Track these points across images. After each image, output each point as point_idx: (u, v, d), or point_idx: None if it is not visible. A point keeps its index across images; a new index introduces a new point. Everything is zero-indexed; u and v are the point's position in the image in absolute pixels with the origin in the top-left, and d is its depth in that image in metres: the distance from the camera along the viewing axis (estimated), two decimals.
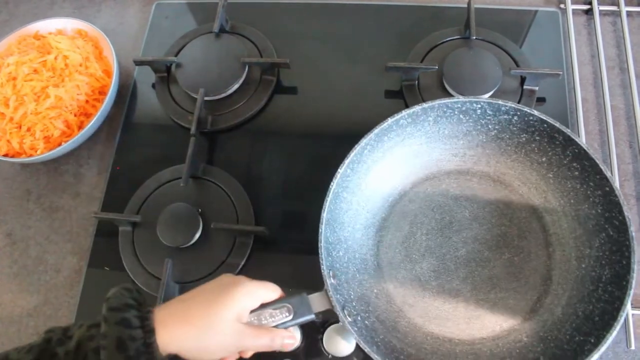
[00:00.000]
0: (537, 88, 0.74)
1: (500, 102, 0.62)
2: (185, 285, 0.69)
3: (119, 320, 0.46)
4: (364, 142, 0.62)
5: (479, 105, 0.63)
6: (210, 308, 0.50)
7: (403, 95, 0.76)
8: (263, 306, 0.55)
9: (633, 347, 0.63)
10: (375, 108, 0.76)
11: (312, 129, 0.77)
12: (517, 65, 0.75)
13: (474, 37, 0.77)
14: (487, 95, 0.73)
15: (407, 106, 0.73)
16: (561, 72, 0.72)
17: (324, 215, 0.59)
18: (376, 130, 0.62)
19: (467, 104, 0.63)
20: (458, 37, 0.78)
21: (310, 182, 0.73)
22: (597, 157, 0.59)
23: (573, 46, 0.77)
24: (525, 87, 0.74)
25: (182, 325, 0.49)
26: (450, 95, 0.74)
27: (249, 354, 0.55)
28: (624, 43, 0.77)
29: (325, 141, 0.76)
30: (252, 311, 0.55)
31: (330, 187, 0.60)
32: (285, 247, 0.71)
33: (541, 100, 0.75)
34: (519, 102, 0.73)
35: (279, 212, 0.73)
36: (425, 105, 0.62)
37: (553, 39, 0.78)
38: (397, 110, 0.63)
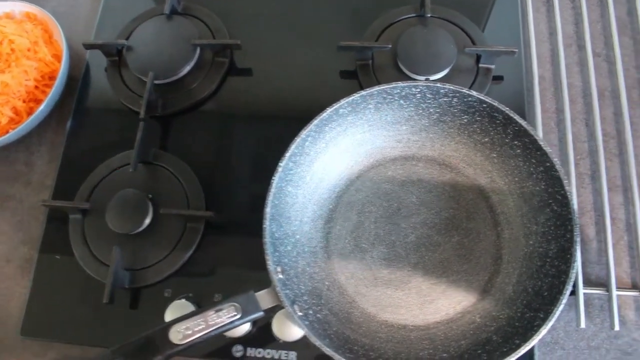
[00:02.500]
0: (493, 66, 0.73)
1: (438, 84, 0.61)
2: (137, 272, 0.68)
3: None
4: (304, 133, 0.61)
5: (418, 90, 0.62)
6: None
7: (358, 76, 0.74)
8: (209, 307, 0.54)
9: (583, 326, 0.63)
10: (331, 89, 0.75)
11: (267, 111, 0.76)
12: (474, 44, 0.74)
13: (429, 15, 0.75)
14: (441, 74, 0.72)
15: (361, 87, 0.72)
16: (516, 50, 0.71)
17: (268, 210, 0.58)
18: (315, 121, 0.61)
19: (406, 88, 0.62)
20: (414, 14, 0.76)
21: (265, 166, 0.70)
22: (536, 133, 0.59)
23: (531, 23, 0.76)
24: (481, 65, 0.73)
25: None
26: (404, 75, 0.73)
27: None
28: (582, 20, 0.76)
29: (280, 124, 0.74)
30: (198, 312, 0.54)
31: (272, 181, 0.59)
32: (238, 233, 0.70)
33: (499, 78, 0.74)
34: (474, 81, 0.72)
35: (231, 197, 0.72)
36: (363, 92, 0.61)
37: (511, 17, 0.77)
38: (352, 91, 0.62)
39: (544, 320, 0.54)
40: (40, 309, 0.69)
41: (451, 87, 0.61)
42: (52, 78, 0.76)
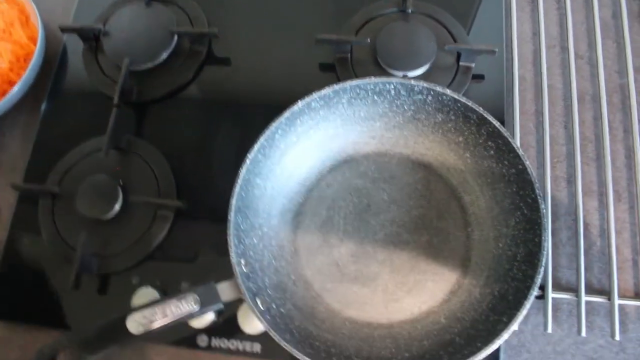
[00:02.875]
0: (473, 65, 0.72)
1: (412, 82, 0.60)
2: (105, 258, 0.67)
3: None
4: (274, 126, 0.60)
5: (392, 86, 0.61)
6: None
7: (336, 69, 0.73)
8: (168, 298, 0.54)
9: (550, 331, 0.62)
10: (309, 82, 0.73)
11: (244, 101, 0.75)
12: (455, 41, 0.73)
13: (411, 11, 0.74)
14: (420, 71, 0.71)
15: (339, 80, 0.71)
16: (497, 49, 0.70)
17: (233, 202, 0.57)
18: (286, 114, 0.60)
19: (380, 84, 0.61)
20: (396, 10, 0.75)
21: (239, 157, 0.70)
22: (509, 135, 0.58)
23: (514, 23, 0.75)
24: (461, 63, 0.72)
25: None
26: (383, 71, 0.72)
27: None
28: (566, 21, 0.75)
29: (257, 114, 0.73)
30: (157, 302, 0.53)
31: (239, 173, 0.58)
32: (209, 223, 0.69)
33: (479, 77, 0.73)
34: (454, 79, 0.72)
35: (204, 186, 0.71)
36: (336, 87, 0.60)
37: (495, 15, 0.76)
38: (330, 84, 0.61)
39: (506, 324, 0.54)
40: (7, 291, 0.68)
41: (425, 85, 0.60)
42: (27, 60, 0.75)
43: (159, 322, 0.53)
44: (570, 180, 0.69)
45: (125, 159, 0.72)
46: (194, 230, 0.69)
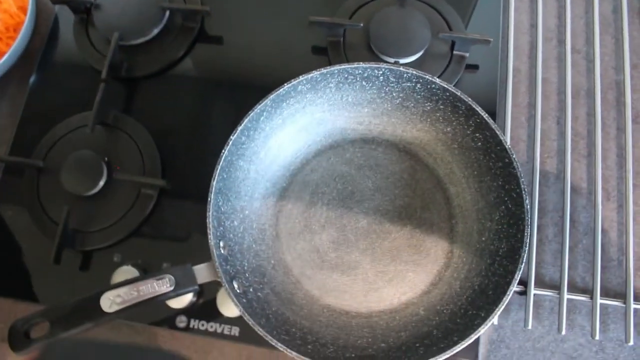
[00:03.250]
0: (467, 54, 0.70)
1: (401, 68, 0.59)
2: (87, 234, 0.67)
3: None
4: (258, 108, 0.59)
5: (381, 72, 0.60)
6: None
7: (328, 53, 0.72)
8: (143, 277, 0.54)
9: (530, 327, 0.62)
10: (301, 64, 0.72)
11: (234, 81, 0.74)
12: (450, 29, 0.71)
13: None
14: (413, 58, 0.70)
15: (330, 64, 0.70)
16: (491, 39, 0.68)
17: (214, 184, 0.56)
18: (272, 96, 0.59)
19: (369, 70, 0.60)
20: None
21: (226, 137, 0.70)
22: (497, 127, 0.57)
23: (512, 13, 0.74)
24: (455, 52, 0.70)
25: None
26: (375, 56, 0.71)
27: None
28: (565, 14, 0.73)
29: (247, 94, 0.71)
30: (132, 281, 0.53)
31: (222, 154, 0.57)
32: (193, 203, 0.68)
33: (473, 67, 0.72)
34: (447, 68, 0.70)
35: (190, 167, 0.70)
36: (324, 70, 0.59)
37: (493, 4, 0.74)
38: (322, 67, 0.60)
39: (484, 319, 0.53)
40: None
41: (414, 72, 0.59)
42: (16, 30, 0.74)
43: (132, 301, 0.52)
44: (560, 177, 0.68)
45: (111, 135, 0.71)
46: (177, 211, 0.68)
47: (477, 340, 0.60)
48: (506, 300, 0.53)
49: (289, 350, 0.52)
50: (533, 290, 0.63)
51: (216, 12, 0.74)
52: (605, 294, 0.64)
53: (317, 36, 0.74)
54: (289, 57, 0.74)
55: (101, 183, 0.68)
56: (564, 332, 0.62)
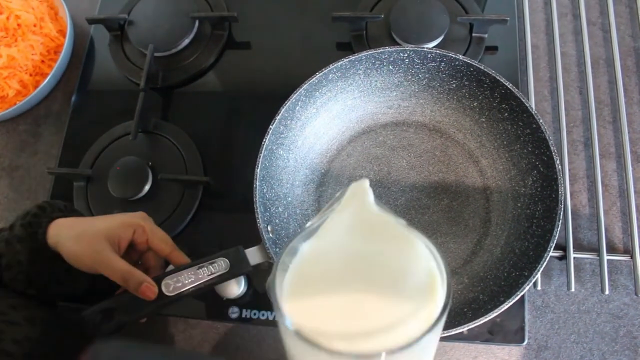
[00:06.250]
0: (486, 35, 0.73)
1: (425, 48, 0.61)
2: None
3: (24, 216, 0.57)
4: (293, 98, 0.62)
5: (406, 54, 0.63)
6: (91, 222, 0.57)
7: (352, 47, 0.75)
8: (199, 262, 0.56)
9: (573, 290, 0.63)
10: (327, 60, 0.74)
11: (264, 83, 0.77)
12: (466, 13, 0.74)
13: None
14: (434, 43, 0.72)
15: None
16: (508, 18, 0.71)
17: (258, 171, 0.60)
18: (305, 86, 0.62)
19: (394, 53, 0.62)
20: None
21: (261, 135, 0.73)
22: (522, 95, 0.59)
23: None
24: (473, 34, 0.73)
25: (66, 229, 0.56)
26: (397, 45, 0.73)
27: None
28: None
29: (277, 95, 0.74)
30: (189, 266, 0.56)
31: (263, 143, 0.61)
32: (234, 200, 0.72)
33: (493, 48, 0.74)
34: (467, 50, 0.73)
35: (229, 164, 0.73)
36: (352, 57, 0.62)
37: None
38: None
39: (527, 277, 0.55)
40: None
41: (438, 51, 0.61)
42: (57, 53, 0.79)
43: (190, 285, 0.55)
44: (587, 144, 0.70)
45: (153, 140, 0.74)
46: (220, 207, 0.72)
47: (522, 308, 0.62)
48: (547, 256, 0.55)
49: None
50: (573, 254, 0.64)
51: (242, 18, 0.78)
52: None
53: (341, 33, 0.77)
54: (315, 54, 0.77)
55: (147, 187, 0.71)
56: (607, 292, 0.63)
